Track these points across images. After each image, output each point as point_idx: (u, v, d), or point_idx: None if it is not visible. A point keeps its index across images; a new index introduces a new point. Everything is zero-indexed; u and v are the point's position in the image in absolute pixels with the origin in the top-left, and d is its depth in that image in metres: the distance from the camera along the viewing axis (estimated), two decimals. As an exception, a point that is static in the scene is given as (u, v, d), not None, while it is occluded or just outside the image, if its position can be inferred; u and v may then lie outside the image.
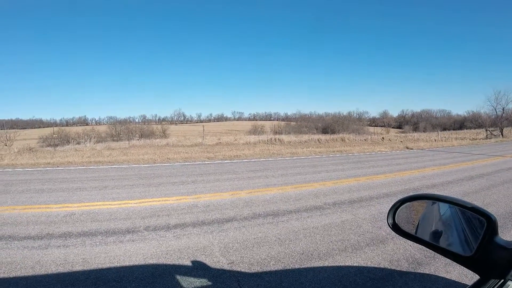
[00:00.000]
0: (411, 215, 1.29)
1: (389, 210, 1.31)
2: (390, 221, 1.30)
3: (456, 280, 2.90)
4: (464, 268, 1.00)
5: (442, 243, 1.12)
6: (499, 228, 0.93)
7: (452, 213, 1.16)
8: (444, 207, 1.20)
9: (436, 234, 1.17)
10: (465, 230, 1.07)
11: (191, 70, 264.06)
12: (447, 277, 2.97)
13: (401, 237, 1.28)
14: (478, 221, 0.99)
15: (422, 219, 1.27)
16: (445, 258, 1.08)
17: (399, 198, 1.31)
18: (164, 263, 3.29)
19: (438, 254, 1.11)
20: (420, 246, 1.19)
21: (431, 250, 1.15)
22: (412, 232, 1.25)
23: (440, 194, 1.21)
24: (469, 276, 2.91)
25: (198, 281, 2.88)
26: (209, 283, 2.86)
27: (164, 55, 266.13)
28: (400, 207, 1.29)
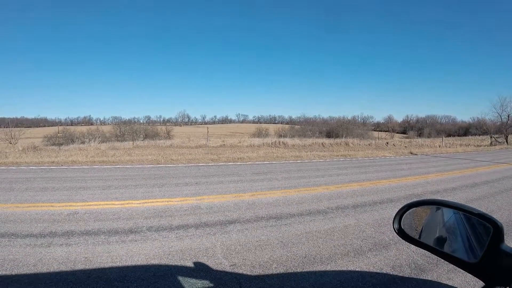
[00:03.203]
0: (415, 221, 1.29)
1: (395, 215, 1.30)
2: (396, 226, 1.29)
3: (458, 287, 2.88)
4: (467, 274, 0.99)
5: (447, 249, 1.11)
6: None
7: (456, 219, 1.15)
8: (448, 213, 1.20)
9: (441, 240, 1.16)
10: (470, 237, 1.06)
11: (196, 72, 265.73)
12: (450, 284, 2.94)
13: (404, 243, 1.27)
14: (484, 227, 0.99)
15: (426, 225, 1.26)
16: (448, 265, 1.08)
17: (403, 204, 1.30)
18: (166, 263, 3.29)
19: (441, 261, 1.11)
20: (422, 252, 1.19)
21: (434, 256, 1.15)
22: (417, 237, 1.24)
23: (445, 199, 1.20)
24: (472, 283, 2.89)
25: (200, 283, 2.88)
26: (211, 284, 2.86)
27: (169, 56, 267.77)
28: (406, 213, 1.29)
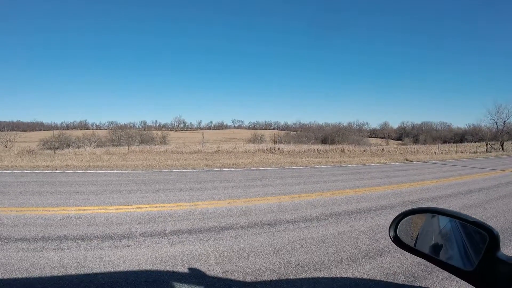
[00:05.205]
0: (410, 228, 1.29)
1: (391, 223, 1.30)
2: (392, 234, 1.29)
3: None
4: (462, 282, 0.99)
5: (442, 256, 1.11)
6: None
7: (452, 226, 1.15)
8: (444, 221, 1.19)
9: (436, 248, 1.16)
10: (466, 244, 1.06)
11: (193, 78, 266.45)
12: None
13: (399, 250, 1.27)
14: (480, 235, 0.98)
15: (422, 232, 1.26)
16: (442, 272, 1.08)
17: (398, 211, 1.30)
18: (159, 269, 3.27)
19: (435, 269, 1.11)
20: (417, 259, 1.19)
21: (429, 264, 1.14)
22: (412, 245, 1.24)
23: (440, 207, 1.20)
24: (466, 291, 2.88)
25: (192, 289, 2.86)
26: None
27: (166, 61, 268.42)
28: (402, 220, 1.29)
